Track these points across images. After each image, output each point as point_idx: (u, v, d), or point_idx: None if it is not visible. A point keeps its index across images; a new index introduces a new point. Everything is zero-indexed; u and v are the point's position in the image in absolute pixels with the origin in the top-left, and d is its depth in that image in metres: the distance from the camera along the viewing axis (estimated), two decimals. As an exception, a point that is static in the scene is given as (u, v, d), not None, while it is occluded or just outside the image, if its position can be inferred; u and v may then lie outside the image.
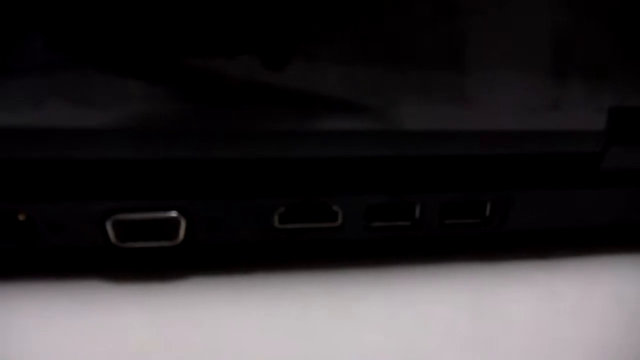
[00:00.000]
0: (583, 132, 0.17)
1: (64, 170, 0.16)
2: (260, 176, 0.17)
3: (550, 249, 0.19)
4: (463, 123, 0.17)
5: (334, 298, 0.18)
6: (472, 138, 0.17)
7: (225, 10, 0.15)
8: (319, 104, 0.17)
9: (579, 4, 0.16)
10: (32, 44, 0.15)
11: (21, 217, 0.17)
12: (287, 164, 0.17)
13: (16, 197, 0.16)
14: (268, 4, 0.15)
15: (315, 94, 0.16)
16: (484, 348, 0.17)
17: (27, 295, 0.17)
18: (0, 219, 0.16)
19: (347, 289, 0.18)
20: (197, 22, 0.15)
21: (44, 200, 0.16)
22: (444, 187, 0.18)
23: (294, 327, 0.17)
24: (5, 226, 0.16)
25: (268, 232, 0.18)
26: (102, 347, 0.16)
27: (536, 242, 0.20)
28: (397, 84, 0.16)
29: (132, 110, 0.16)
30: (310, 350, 0.16)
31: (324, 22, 0.16)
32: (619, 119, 0.17)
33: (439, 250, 0.19)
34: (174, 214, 0.17)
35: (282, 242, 0.18)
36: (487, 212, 0.18)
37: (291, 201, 0.17)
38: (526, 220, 0.19)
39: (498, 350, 0.17)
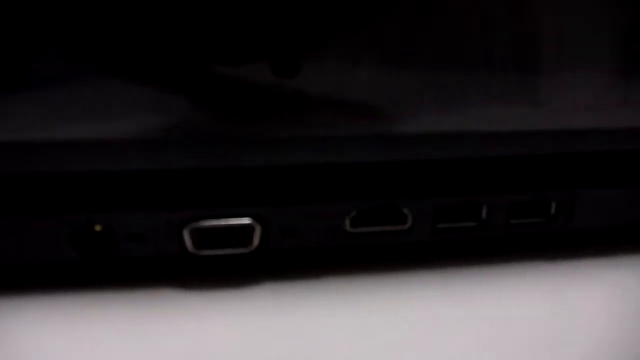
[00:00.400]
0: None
1: (143, 180, 0.16)
2: (332, 181, 0.17)
3: (617, 246, 0.20)
4: (532, 123, 0.17)
5: (406, 300, 0.18)
6: (540, 138, 0.17)
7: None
8: (387, 107, 0.17)
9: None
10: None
11: (98, 228, 0.17)
12: (360, 168, 0.17)
13: (95, 208, 0.16)
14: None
15: (386, 98, 0.17)
16: (559, 346, 0.17)
17: (103, 305, 0.17)
18: (78, 230, 0.16)
19: (418, 290, 0.18)
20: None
21: (124, 210, 0.16)
22: (512, 187, 0.18)
23: (367, 329, 0.17)
24: (83, 237, 0.17)
25: (339, 237, 0.18)
26: (178, 354, 0.16)
27: (601, 240, 0.20)
28: (468, 85, 0.17)
29: (203, 119, 0.16)
30: (386, 353, 0.16)
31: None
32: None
33: (504, 250, 0.19)
34: (249, 220, 0.17)
35: (352, 246, 0.18)
36: (552, 211, 0.19)
37: (363, 205, 0.17)
38: (592, 218, 0.19)
39: (574, 348, 0.17)
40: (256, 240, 0.17)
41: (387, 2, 0.16)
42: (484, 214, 0.18)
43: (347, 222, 0.18)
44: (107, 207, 0.16)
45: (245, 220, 0.17)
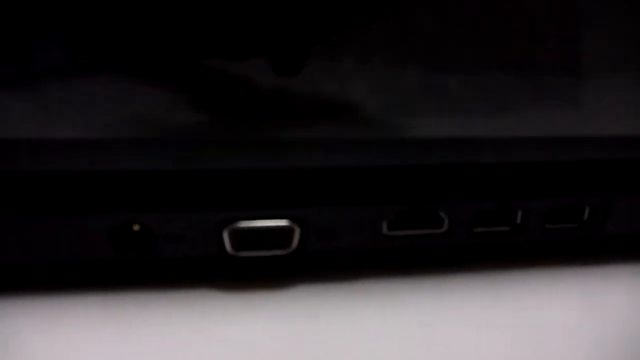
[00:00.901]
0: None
1: (183, 180, 0.16)
2: (371, 184, 0.17)
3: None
4: (569, 128, 0.17)
5: (441, 303, 0.18)
6: (577, 144, 0.18)
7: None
8: (425, 111, 0.17)
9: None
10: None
11: (136, 228, 0.17)
12: (398, 171, 0.17)
13: (135, 208, 0.16)
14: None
15: (424, 101, 0.17)
16: (594, 352, 0.17)
17: (140, 306, 0.17)
18: (116, 230, 0.16)
19: (453, 294, 0.18)
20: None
21: (164, 210, 0.16)
22: (549, 192, 0.18)
23: (401, 333, 0.17)
24: (121, 237, 0.16)
25: (376, 240, 0.18)
26: (215, 356, 0.16)
27: (636, 246, 0.20)
28: (507, 90, 0.17)
29: (245, 120, 0.16)
30: (423, 357, 0.16)
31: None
32: None
33: (538, 254, 0.19)
34: (289, 222, 0.17)
35: (388, 250, 0.18)
36: (586, 216, 0.19)
37: (401, 208, 0.17)
38: (626, 224, 0.19)
39: (607, 354, 0.17)
40: (295, 243, 0.17)
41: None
42: (518, 219, 0.18)
43: (385, 225, 0.18)
44: (147, 208, 0.16)
45: (285, 222, 0.17)
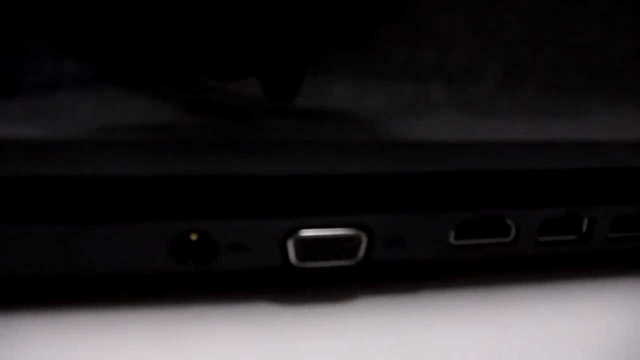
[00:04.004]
0: None
1: (246, 186, 0.15)
2: (439, 190, 0.16)
3: None
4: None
5: (511, 313, 0.17)
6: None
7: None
8: (496, 116, 0.16)
9: None
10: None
11: (193, 237, 0.16)
12: (465, 177, 0.17)
13: (196, 215, 0.15)
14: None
15: (502, 105, 0.16)
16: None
17: (198, 321, 0.16)
18: (176, 239, 0.15)
19: (520, 303, 0.17)
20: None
21: (227, 218, 0.15)
22: (618, 200, 0.17)
23: (467, 345, 0.16)
24: (180, 247, 0.15)
25: (443, 250, 0.17)
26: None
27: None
28: (585, 95, 0.16)
29: (316, 124, 0.15)
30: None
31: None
32: None
33: (602, 263, 0.19)
34: (357, 231, 0.16)
35: (453, 260, 0.17)
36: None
37: (469, 215, 0.17)
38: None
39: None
40: (361, 252, 0.16)
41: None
42: (584, 227, 0.18)
43: (452, 234, 0.17)
44: (208, 215, 0.15)
45: (352, 231, 0.16)
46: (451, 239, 0.17)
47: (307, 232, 0.16)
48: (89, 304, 0.16)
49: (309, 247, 0.16)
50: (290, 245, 0.16)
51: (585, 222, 0.18)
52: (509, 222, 0.17)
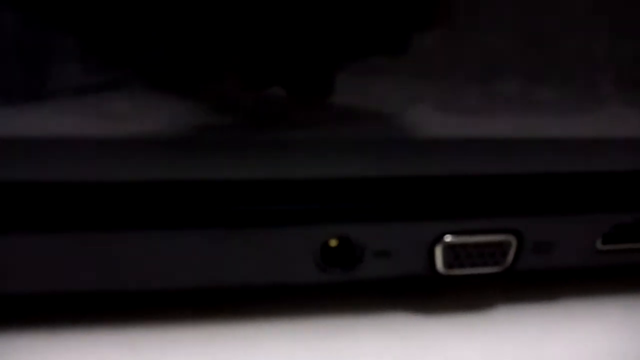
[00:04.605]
0: None
1: (397, 190, 0.14)
2: (591, 192, 0.15)
3: None
4: None
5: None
6: None
7: None
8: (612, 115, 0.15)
9: None
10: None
11: (332, 244, 0.15)
12: (621, 177, 0.16)
13: (344, 220, 0.14)
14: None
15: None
16: None
17: (333, 332, 0.15)
18: (322, 246, 0.14)
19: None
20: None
21: (374, 221, 0.14)
22: None
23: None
24: (325, 254, 0.15)
25: (589, 255, 0.16)
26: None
27: None
28: None
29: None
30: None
31: None
32: None
33: None
34: (506, 236, 0.15)
35: (601, 266, 0.16)
36: None
37: (620, 218, 0.16)
38: None
39: None
40: (509, 259, 0.15)
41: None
42: None
43: (600, 239, 0.16)
44: (356, 219, 0.14)
45: (502, 237, 0.15)
46: (598, 244, 0.16)
47: (456, 238, 0.15)
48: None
49: (457, 254, 0.15)
50: (439, 252, 0.15)
51: None
52: (659, 226, 0.16)
